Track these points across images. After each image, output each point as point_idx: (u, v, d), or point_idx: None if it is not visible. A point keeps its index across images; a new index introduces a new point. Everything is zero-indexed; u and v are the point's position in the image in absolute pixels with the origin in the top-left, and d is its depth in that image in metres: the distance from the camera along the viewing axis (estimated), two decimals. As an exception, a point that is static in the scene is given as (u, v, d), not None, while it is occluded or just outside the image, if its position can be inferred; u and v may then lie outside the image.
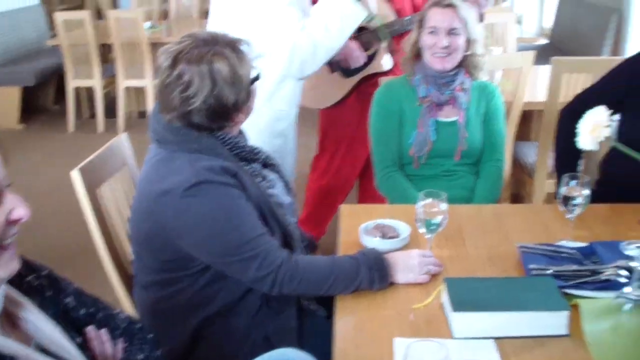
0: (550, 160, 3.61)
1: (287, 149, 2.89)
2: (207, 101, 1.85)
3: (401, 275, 1.88)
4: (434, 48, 2.70)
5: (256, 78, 1.98)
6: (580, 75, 3.45)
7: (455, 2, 2.74)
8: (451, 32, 2.69)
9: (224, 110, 1.89)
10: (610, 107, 2.41)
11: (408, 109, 2.77)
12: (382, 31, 2.91)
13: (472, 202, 2.73)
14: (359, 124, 3.49)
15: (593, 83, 2.76)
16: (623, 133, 2.52)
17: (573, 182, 2.04)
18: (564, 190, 2.05)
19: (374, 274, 1.84)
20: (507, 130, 3.30)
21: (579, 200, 2.03)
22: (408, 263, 1.89)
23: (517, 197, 4.05)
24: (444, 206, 1.93)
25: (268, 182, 2.05)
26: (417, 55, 2.79)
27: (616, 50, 5.62)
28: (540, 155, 3.63)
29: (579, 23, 6.32)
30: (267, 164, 2.10)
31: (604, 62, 3.40)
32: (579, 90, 3.34)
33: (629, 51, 5.45)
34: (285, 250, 1.89)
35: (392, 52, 3.54)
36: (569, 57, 3.59)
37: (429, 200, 1.93)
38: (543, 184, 3.67)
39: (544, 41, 7.44)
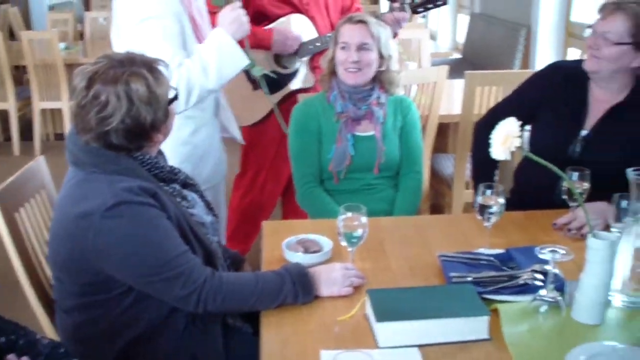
0: (467, 171, 3.71)
1: (198, 155, 2.83)
2: (124, 121, 1.84)
3: (325, 289, 1.90)
4: (345, 63, 2.75)
5: (174, 98, 1.98)
6: (493, 88, 3.56)
7: (367, 18, 2.79)
8: (362, 47, 2.73)
9: (142, 130, 1.88)
10: (521, 119, 2.53)
11: (326, 124, 2.80)
12: (261, 81, 2.96)
13: (393, 214, 2.77)
14: (282, 142, 3.51)
15: (505, 96, 2.85)
16: (534, 143, 2.62)
17: (489, 192, 2.10)
18: (480, 199, 2.11)
19: (298, 288, 1.86)
20: (425, 143, 3.38)
21: (494, 209, 2.09)
22: (331, 276, 1.91)
23: (437, 207, 4.13)
24: (364, 219, 1.96)
25: (188, 202, 2.04)
26: (334, 71, 2.83)
27: (525, 63, 5.80)
28: (457, 166, 3.73)
29: (490, 38, 6.51)
30: (187, 184, 2.10)
31: (515, 75, 3.53)
32: (492, 103, 3.47)
33: (538, 64, 5.64)
34: (209, 267, 1.89)
35: (313, 69, 3.58)
36: (482, 71, 3.68)
37: (349, 214, 1.96)
38: (461, 194, 3.76)
39: (457, 56, 7.65)
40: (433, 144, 3.79)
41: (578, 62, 2.63)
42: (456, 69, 6.26)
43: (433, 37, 9.00)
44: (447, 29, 8.79)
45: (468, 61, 6.85)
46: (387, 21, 3.17)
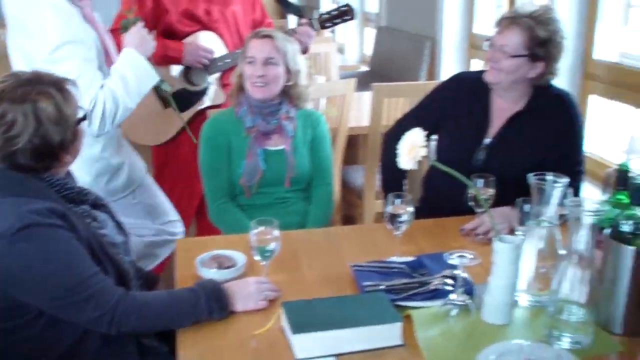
0: (377, 182, 3.77)
1: (113, 168, 2.83)
2: (32, 141, 1.80)
3: (240, 304, 1.90)
4: (252, 77, 2.76)
5: (83, 118, 1.95)
6: (400, 100, 3.64)
7: (274, 33, 2.82)
8: (268, 62, 2.75)
9: (50, 150, 1.85)
10: (427, 129, 2.59)
11: (236, 140, 2.80)
12: (170, 99, 3.00)
13: (306, 226, 2.79)
14: (194, 159, 3.49)
15: (412, 108, 2.91)
16: (440, 152, 2.70)
17: (398, 201, 2.15)
18: (390, 209, 2.15)
19: (212, 304, 1.85)
20: (335, 155, 3.42)
21: (404, 218, 2.14)
22: (245, 291, 1.92)
23: (348, 218, 4.17)
24: (276, 233, 1.97)
25: (98, 223, 2.01)
26: (242, 87, 2.83)
27: (431, 74, 5.94)
28: (367, 177, 3.78)
29: (396, 51, 6.63)
30: (97, 204, 2.06)
31: (421, 87, 3.61)
32: (399, 114, 3.53)
33: (443, 75, 5.78)
34: (121, 288, 1.86)
35: (224, 86, 3.58)
36: (388, 83, 3.76)
37: (262, 228, 1.97)
38: (372, 204, 3.82)
39: (365, 68, 7.75)
40: (343, 156, 3.84)
41: (480, 73, 2.73)
42: (364, 81, 6.35)
43: (341, 50, 9.10)
44: (354, 42, 8.90)
45: (376, 73, 6.95)
46: (296, 36, 3.23)
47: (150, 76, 2.73)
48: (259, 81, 2.75)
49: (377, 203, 3.81)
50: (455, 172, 1.91)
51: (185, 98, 3.45)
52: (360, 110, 4.22)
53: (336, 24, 3.50)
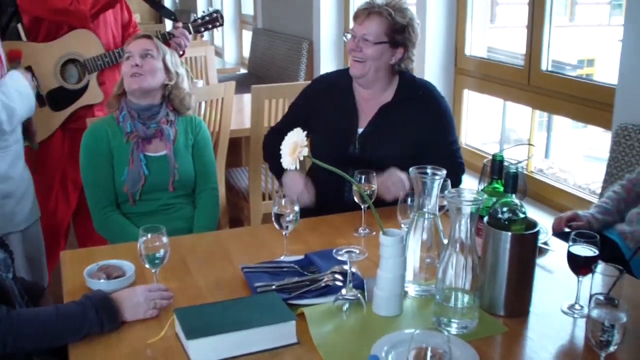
0: (262, 183, 3.79)
1: (20, 192, 2.76)
2: None
3: (129, 314, 1.86)
4: (129, 70, 2.75)
5: None
6: (280, 100, 3.66)
7: (151, 35, 2.87)
8: (145, 54, 2.76)
9: None
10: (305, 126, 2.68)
11: (117, 147, 2.76)
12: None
13: (193, 231, 2.78)
14: (69, 162, 3.41)
15: (283, 115, 2.97)
16: (316, 150, 2.75)
17: (283, 201, 2.17)
18: (276, 209, 2.17)
19: (102, 315, 1.80)
20: (218, 158, 3.42)
21: (290, 217, 2.16)
22: (134, 300, 1.88)
23: (236, 221, 4.17)
24: (164, 239, 1.95)
25: None
26: (123, 92, 2.81)
27: (310, 74, 6.01)
28: (252, 179, 3.79)
29: (274, 52, 6.67)
30: None
31: (299, 87, 3.63)
32: (280, 115, 3.58)
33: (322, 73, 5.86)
34: (3, 306, 1.79)
35: (102, 84, 3.51)
36: (267, 85, 3.78)
37: (149, 235, 1.94)
38: (259, 205, 3.83)
39: (243, 71, 7.75)
40: (226, 158, 3.83)
41: (340, 71, 2.91)
42: (243, 83, 6.34)
43: (219, 53, 9.07)
44: (231, 45, 8.89)
45: (254, 75, 6.97)
46: (174, 39, 3.37)
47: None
48: (136, 71, 2.73)
49: (264, 204, 3.82)
50: (336, 170, 1.95)
51: (62, 97, 3.38)
52: (241, 113, 4.23)
53: (208, 29, 3.69)
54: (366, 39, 2.61)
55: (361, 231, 2.42)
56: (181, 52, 3.54)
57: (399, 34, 2.64)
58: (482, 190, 2.13)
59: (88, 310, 1.79)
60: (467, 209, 1.73)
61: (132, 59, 2.74)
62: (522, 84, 3.74)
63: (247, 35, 8.62)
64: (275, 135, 2.68)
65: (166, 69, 2.79)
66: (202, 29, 3.67)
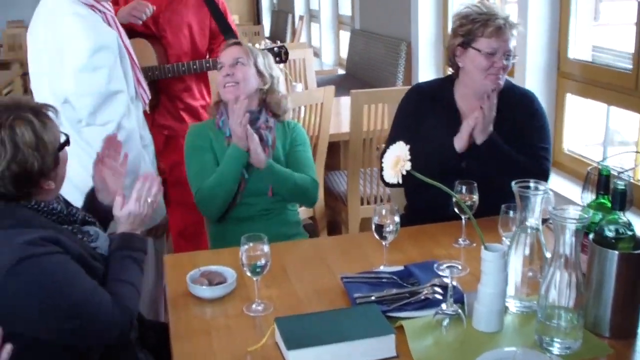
0: (361, 187, 3.80)
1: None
2: (10, 168, 1.80)
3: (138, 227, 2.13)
4: (222, 80, 2.79)
5: (65, 143, 1.94)
6: (379, 105, 3.66)
7: (241, 40, 2.92)
8: (236, 62, 2.78)
9: (29, 176, 1.84)
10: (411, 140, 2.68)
11: (218, 149, 2.81)
12: None
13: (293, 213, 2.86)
14: None
15: (389, 133, 2.94)
16: (417, 159, 2.69)
17: (384, 211, 2.17)
18: (376, 219, 2.17)
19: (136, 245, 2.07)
20: (317, 163, 3.44)
21: (391, 228, 2.16)
22: (131, 219, 2.11)
23: (334, 224, 4.19)
24: (266, 249, 1.98)
25: (90, 237, 2.02)
26: (221, 99, 2.85)
27: (408, 76, 5.98)
28: (350, 183, 3.80)
29: (371, 53, 6.67)
30: (86, 221, 2.07)
31: (399, 92, 3.62)
32: (379, 119, 3.59)
33: (420, 77, 5.82)
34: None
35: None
36: (367, 90, 3.78)
37: (251, 244, 1.97)
38: (357, 209, 3.84)
39: (341, 71, 7.78)
40: (324, 162, 3.86)
41: (435, 81, 2.93)
42: (342, 85, 6.39)
43: (317, 54, 9.14)
44: (329, 45, 8.94)
45: (352, 77, 6.99)
46: None
47: None
48: (227, 81, 2.77)
49: (362, 208, 3.83)
50: (436, 183, 1.94)
51: None
52: (339, 116, 4.25)
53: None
54: (509, 54, 2.59)
55: (461, 242, 2.40)
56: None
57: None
58: (587, 205, 2.07)
59: (124, 252, 2.03)
60: (572, 226, 1.69)
61: (224, 69, 2.78)
62: (629, 89, 3.61)
63: (345, 36, 8.66)
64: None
65: (259, 73, 2.81)
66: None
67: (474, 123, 2.54)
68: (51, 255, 1.79)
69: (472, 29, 2.60)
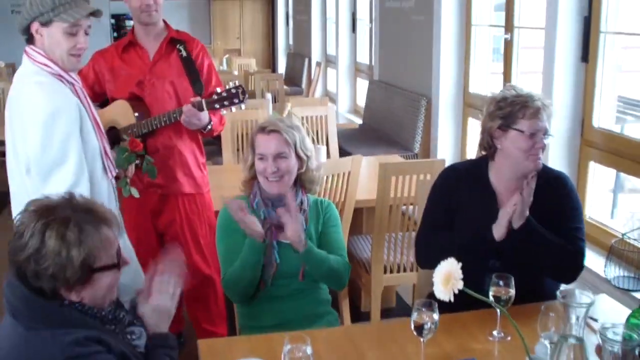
0: (385, 255, 3.80)
1: None
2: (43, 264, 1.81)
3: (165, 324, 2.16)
4: (265, 173, 2.77)
5: (109, 267, 1.95)
6: (407, 177, 3.66)
7: (279, 126, 2.80)
8: (279, 156, 2.75)
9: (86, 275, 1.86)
10: (447, 228, 2.74)
11: None
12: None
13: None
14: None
15: (423, 214, 2.94)
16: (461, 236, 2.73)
17: (423, 309, 2.16)
18: (415, 316, 2.16)
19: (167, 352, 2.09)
20: (342, 229, 3.43)
21: (429, 326, 2.15)
22: (160, 316, 2.14)
23: (354, 289, 4.16)
24: (309, 350, 1.96)
25: (133, 336, 2.04)
26: (255, 176, 2.84)
27: (427, 132, 6.00)
28: (375, 250, 3.79)
29: (390, 105, 6.71)
30: (130, 321, 2.08)
31: (425, 165, 3.69)
32: (406, 187, 3.60)
33: (440, 133, 5.85)
34: None
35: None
36: (395, 162, 3.81)
37: (293, 345, 1.96)
38: (380, 277, 3.83)
39: (357, 119, 7.82)
40: (348, 228, 3.86)
41: (469, 162, 2.95)
42: (360, 138, 6.44)
43: (332, 99, 9.21)
44: (345, 92, 8.99)
45: (369, 128, 7.02)
46: (182, 117, 3.37)
47: None
48: (273, 176, 2.76)
49: (385, 277, 3.83)
50: (477, 295, 1.95)
51: None
52: (361, 179, 4.24)
53: (224, 106, 3.37)
54: (545, 134, 2.63)
55: (495, 334, 2.40)
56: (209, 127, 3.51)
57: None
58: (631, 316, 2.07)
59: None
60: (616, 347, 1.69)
61: (266, 163, 2.75)
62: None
63: (361, 83, 8.73)
64: (427, 242, 2.81)
65: (298, 158, 2.80)
66: (217, 106, 3.37)
67: (513, 210, 2.55)
68: (97, 354, 1.80)
69: (512, 111, 2.64)
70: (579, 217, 2.73)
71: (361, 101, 8.67)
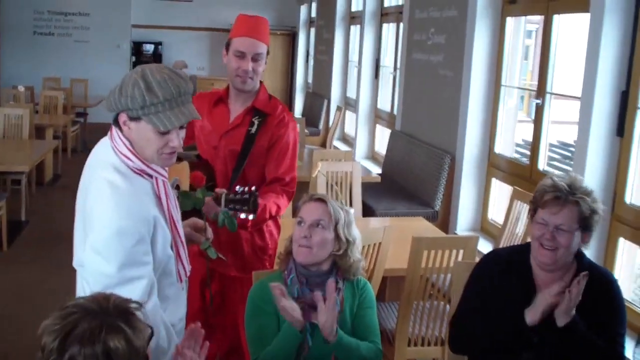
0: (410, 328, 3.71)
1: None
2: None
3: None
4: (298, 239, 2.70)
5: (151, 335, 1.86)
6: (439, 252, 3.60)
7: (327, 198, 2.77)
8: (316, 224, 2.69)
9: None
10: (484, 315, 2.66)
11: None
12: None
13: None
14: None
15: (461, 298, 2.87)
16: (494, 331, 2.65)
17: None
18: None
19: None
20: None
21: None
22: None
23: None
24: None
25: None
26: (291, 251, 2.76)
27: (449, 190, 5.94)
28: (401, 321, 3.70)
29: (412, 159, 6.65)
30: None
31: (458, 241, 3.61)
32: (438, 260, 3.54)
33: (462, 192, 5.78)
34: None
35: None
36: (428, 237, 3.71)
37: None
38: (404, 351, 3.74)
39: (376, 168, 7.77)
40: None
41: (512, 249, 2.89)
42: (381, 192, 6.37)
43: (350, 142, 9.17)
44: (363, 137, 8.95)
45: (390, 180, 6.95)
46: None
47: None
48: (303, 242, 2.68)
49: (409, 350, 3.74)
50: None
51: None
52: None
53: (235, 209, 2.88)
54: (561, 229, 2.55)
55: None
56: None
57: (591, 218, 2.58)
58: None
59: None
60: None
61: (303, 228, 2.70)
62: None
63: (379, 130, 8.69)
64: (463, 327, 2.76)
65: (337, 237, 2.72)
66: (232, 206, 2.87)
67: (553, 301, 2.49)
68: None
69: (535, 199, 2.64)
70: (622, 321, 2.65)
71: (379, 147, 8.65)
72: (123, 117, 2.26)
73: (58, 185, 8.98)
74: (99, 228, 2.20)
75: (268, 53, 3.32)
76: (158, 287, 2.30)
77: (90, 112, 12.38)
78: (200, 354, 2.14)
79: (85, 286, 2.26)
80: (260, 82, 3.38)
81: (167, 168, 2.42)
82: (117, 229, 2.17)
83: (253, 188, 2.89)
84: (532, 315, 2.53)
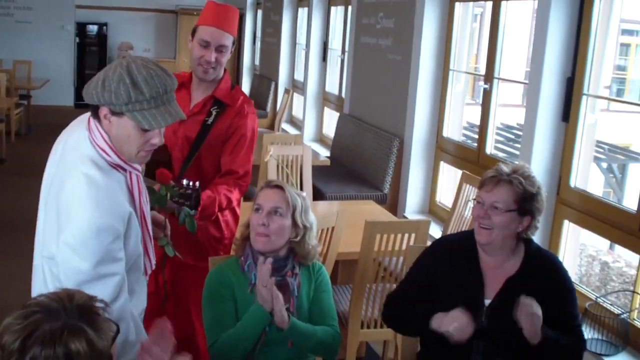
0: (363, 311, 3.76)
1: None
2: None
3: None
4: (256, 226, 2.71)
5: (116, 334, 1.84)
6: (392, 235, 3.65)
7: (285, 185, 2.78)
8: (274, 211, 2.70)
9: None
10: (422, 297, 2.75)
11: (240, 295, 2.72)
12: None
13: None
14: None
15: (402, 280, 2.95)
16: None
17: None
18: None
19: None
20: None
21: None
22: None
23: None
24: None
25: None
26: (248, 236, 2.77)
27: (397, 173, 5.99)
28: (354, 304, 3.74)
29: (361, 142, 6.68)
30: None
31: (412, 225, 3.67)
32: (390, 243, 3.59)
33: (410, 175, 5.85)
34: None
35: None
36: (381, 221, 3.76)
37: None
38: (357, 333, 3.78)
39: (324, 151, 7.78)
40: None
41: (462, 234, 2.93)
42: (331, 176, 6.39)
43: (298, 125, 9.16)
44: (311, 119, 8.95)
45: (338, 164, 6.96)
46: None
47: None
48: (261, 230, 2.69)
49: (362, 332, 3.79)
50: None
51: None
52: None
53: (178, 202, 2.84)
54: (495, 207, 2.62)
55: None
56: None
57: (528, 202, 2.64)
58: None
59: None
60: None
61: (260, 216, 2.70)
62: (632, 229, 3.67)
63: (328, 113, 8.71)
64: (398, 305, 2.81)
65: (294, 224, 2.73)
66: (176, 199, 2.83)
67: (452, 331, 2.54)
68: None
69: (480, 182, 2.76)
70: (575, 303, 2.73)
71: (327, 130, 8.67)
72: (104, 111, 2.19)
73: (2, 169, 8.76)
74: (76, 225, 2.14)
75: (234, 44, 3.28)
76: (127, 282, 2.27)
77: (34, 94, 12.08)
78: (167, 349, 2.12)
79: (50, 278, 2.23)
80: (225, 70, 3.35)
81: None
82: (97, 227, 2.13)
83: (197, 184, 2.87)
84: (437, 323, 2.60)
